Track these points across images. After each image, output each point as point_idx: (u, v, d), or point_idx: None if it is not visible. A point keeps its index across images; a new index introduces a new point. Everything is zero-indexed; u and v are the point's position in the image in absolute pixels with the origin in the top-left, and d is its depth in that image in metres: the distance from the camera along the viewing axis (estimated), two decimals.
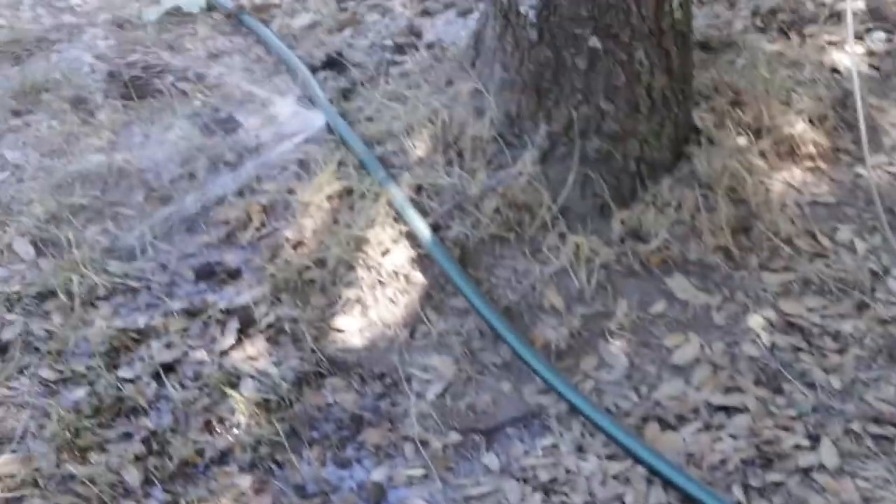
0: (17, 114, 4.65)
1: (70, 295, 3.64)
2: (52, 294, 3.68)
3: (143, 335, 3.51)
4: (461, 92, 4.00)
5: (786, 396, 3.11)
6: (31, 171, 4.26)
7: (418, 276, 3.56)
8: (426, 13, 5.22)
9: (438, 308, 3.50)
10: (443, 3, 5.28)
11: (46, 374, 3.39)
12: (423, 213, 3.66)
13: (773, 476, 2.88)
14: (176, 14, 5.42)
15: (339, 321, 3.50)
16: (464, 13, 5.11)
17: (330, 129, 4.17)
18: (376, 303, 3.52)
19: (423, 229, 3.58)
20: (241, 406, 3.21)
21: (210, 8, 5.45)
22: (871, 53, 4.39)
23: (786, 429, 2.99)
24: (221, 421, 3.21)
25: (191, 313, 3.57)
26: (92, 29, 5.41)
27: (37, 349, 3.47)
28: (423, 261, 3.58)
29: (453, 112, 3.94)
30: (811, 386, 3.14)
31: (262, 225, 3.86)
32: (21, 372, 3.40)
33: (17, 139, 4.48)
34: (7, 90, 4.80)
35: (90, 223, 3.98)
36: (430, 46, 4.73)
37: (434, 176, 3.78)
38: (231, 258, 3.79)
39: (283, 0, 5.56)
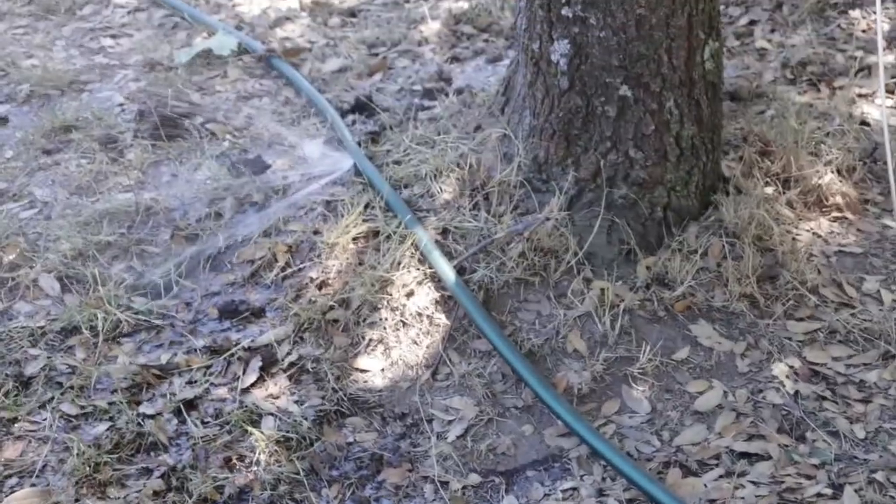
0: (47, 152, 4.68)
1: (94, 331, 3.65)
2: (76, 330, 3.68)
3: (165, 372, 3.50)
4: (490, 137, 4.02)
5: (809, 445, 3.08)
6: (59, 208, 4.28)
7: (442, 318, 3.56)
8: (456, 59, 5.26)
9: (461, 350, 3.50)
10: (472, 49, 5.33)
11: (68, 408, 3.38)
12: (449, 255, 3.66)
13: None
14: (207, 57, 5.46)
15: (362, 361, 3.50)
16: (493, 60, 5.15)
17: (357, 171, 4.18)
18: (399, 343, 3.52)
19: (447, 271, 3.58)
20: (261, 444, 3.19)
21: (241, 51, 5.49)
22: None
23: (808, 477, 2.96)
24: (241, 458, 3.19)
25: (214, 351, 3.57)
26: (123, 70, 5.45)
27: (59, 384, 3.47)
28: (447, 303, 3.58)
29: (481, 157, 3.96)
30: (834, 435, 3.11)
31: (288, 265, 3.86)
32: (43, 406, 3.40)
33: (47, 177, 4.51)
34: (38, 129, 4.84)
35: (116, 260, 3.99)
36: (459, 92, 4.75)
37: (460, 219, 3.78)
38: (255, 297, 3.79)
39: (313, 44, 5.60)
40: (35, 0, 6.30)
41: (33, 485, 3.13)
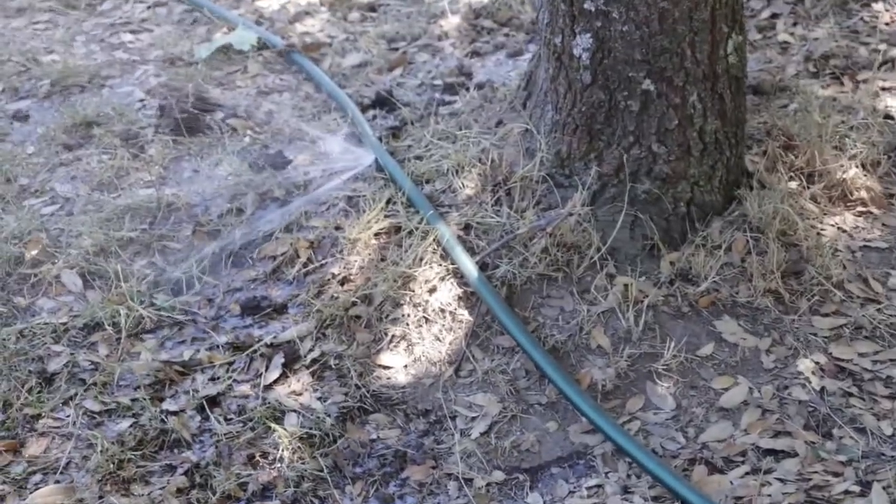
0: (68, 148, 4.68)
1: (116, 327, 3.65)
2: (98, 326, 3.69)
3: (188, 368, 3.51)
4: (511, 132, 4.01)
5: (836, 442, 3.06)
6: (80, 204, 4.28)
7: (464, 314, 3.55)
8: (476, 54, 5.24)
9: (484, 346, 3.49)
10: (492, 44, 5.30)
11: (91, 405, 3.39)
12: (471, 251, 3.65)
13: None
14: (227, 52, 5.45)
15: (385, 357, 3.49)
16: (513, 54, 5.13)
17: (379, 166, 4.17)
18: (422, 340, 3.51)
19: (470, 267, 3.56)
20: (284, 441, 3.19)
21: (261, 46, 5.48)
22: None
23: (836, 474, 2.94)
24: (265, 455, 3.19)
25: (236, 347, 3.57)
26: (144, 65, 5.45)
27: (82, 380, 3.48)
28: (469, 299, 3.57)
29: (503, 152, 3.94)
30: (861, 431, 3.09)
31: (309, 261, 3.85)
32: (66, 403, 3.41)
33: (68, 173, 4.51)
34: (59, 125, 4.83)
35: (138, 256, 3.99)
36: (480, 87, 4.74)
37: (482, 215, 3.77)
38: (277, 293, 3.79)
39: (333, 39, 5.58)
40: None
41: (57, 482, 3.14)
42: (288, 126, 4.70)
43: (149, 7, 6.16)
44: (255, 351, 3.52)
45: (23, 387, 3.44)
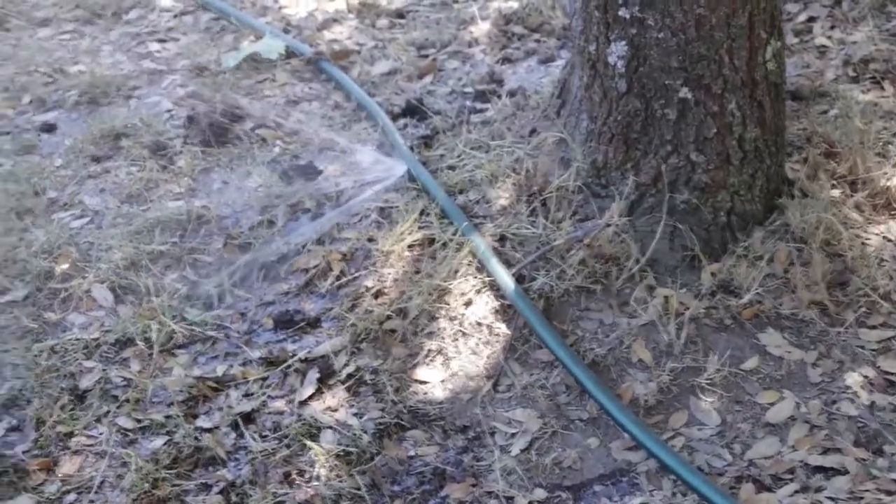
0: (96, 160, 4.65)
1: (148, 342, 3.61)
2: (130, 341, 3.64)
3: (221, 384, 3.45)
4: (545, 141, 3.96)
5: (887, 458, 2.98)
6: (109, 217, 4.24)
7: (501, 328, 3.49)
8: (507, 60, 5.18)
9: (522, 360, 3.43)
10: (523, 50, 5.25)
11: (124, 422, 3.34)
12: (507, 263, 3.59)
13: None
14: (255, 60, 5.41)
15: (421, 372, 3.43)
16: (545, 61, 5.07)
17: (411, 176, 4.12)
18: (458, 354, 3.45)
19: (506, 280, 3.51)
20: (320, 458, 3.13)
21: (289, 54, 5.43)
22: None
23: (889, 492, 2.86)
24: (301, 473, 3.13)
25: (270, 362, 3.51)
26: (171, 75, 5.42)
27: (115, 397, 3.43)
28: (506, 312, 3.51)
29: (538, 161, 3.89)
30: None
31: (343, 273, 3.80)
32: (99, 420, 3.36)
33: (97, 185, 4.47)
34: (87, 136, 4.80)
35: (169, 270, 3.95)
36: (511, 94, 4.68)
37: (518, 226, 3.72)
38: (310, 307, 3.73)
39: (361, 46, 5.53)
40: (81, 4, 6.27)
41: (91, 501, 3.09)
42: (318, 136, 4.65)
43: (175, 16, 6.14)
44: (288, 366, 3.47)
45: (55, 404, 3.39)
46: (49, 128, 4.99)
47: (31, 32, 6.01)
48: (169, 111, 5.03)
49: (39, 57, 5.64)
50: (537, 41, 5.35)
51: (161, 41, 5.87)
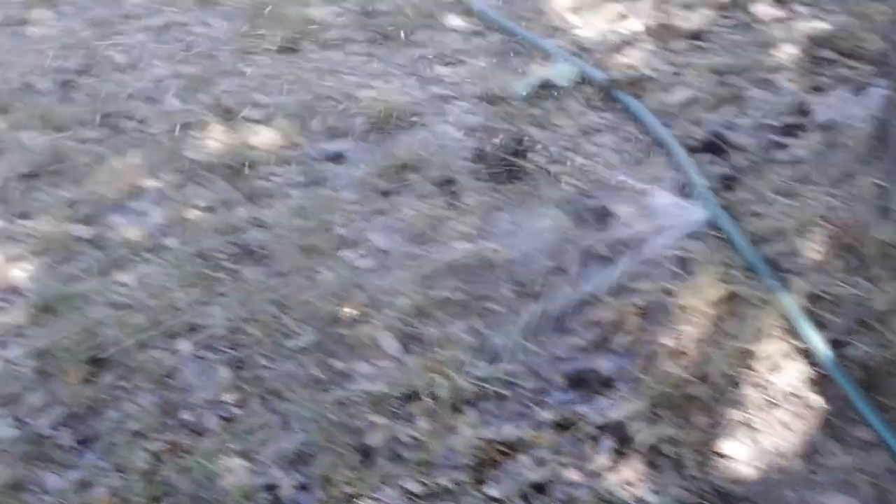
0: (384, 194, 4.55)
1: (435, 398, 3.47)
2: (415, 395, 3.51)
3: (511, 448, 3.29)
4: (862, 187, 3.63)
5: None
6: (396, 258, 4.13)
7: (816, 399, 3.20)
8: (816, 89, 4.79)
9: (840, 438, 3.13)
10: (834, 77, 4.84)
11: (412, 486, 3.21)
12: (819, 325, 3.31)
13: None
14: (546, 87, 5.22)
15: (725, 446, 3.18)
16: (859, 89, 4.66)
17: (711, 223, 3.86)
18: (767, 427, 3.19)
19: (819, 345, 3.23)
20: None
21: (580, 80, 5.23)
22: None
23: None
24: None
25: (561, 426, 3.32)
26: (459, 101, 5.28)
27: (400, 457, 3.31)
28: (820, 382, 3.22)
29: (853, 210, 3.57)
30: None
31: (638, 329, 3.58)
32: (385, 482, 3.24)
33: (384, 222, 4.37)
34: (373, 168, 4.71)
35: (456, 318, 3.80)
36: (822, 128, 4.33)
37: (831, 284, 3.42)
38: (604, 365, 3.52)
39: (657, 72, 5.26)
40: (370, 25, 6.21)
41: None
42: (609, 172, 4.43)
43: (463, 37, 6.00)
44: (581, 431, 3.28)
45: (342, 461, 3.30)
46: (337, 157, 4.93)
47: (321, 55, 5.99)
48: (457, 142, 4.89)
49: (328, 81, 5.61)
50: (850, 67, 4.94)
51: (449, 64, 5.73)
